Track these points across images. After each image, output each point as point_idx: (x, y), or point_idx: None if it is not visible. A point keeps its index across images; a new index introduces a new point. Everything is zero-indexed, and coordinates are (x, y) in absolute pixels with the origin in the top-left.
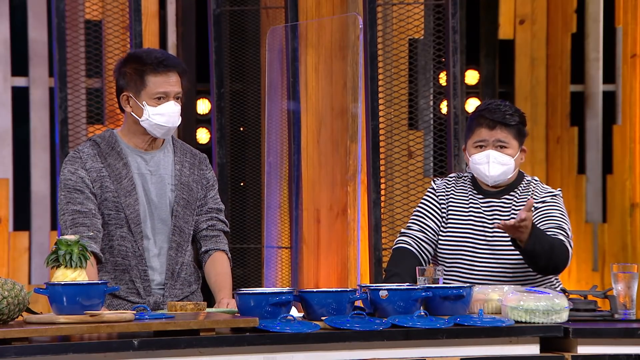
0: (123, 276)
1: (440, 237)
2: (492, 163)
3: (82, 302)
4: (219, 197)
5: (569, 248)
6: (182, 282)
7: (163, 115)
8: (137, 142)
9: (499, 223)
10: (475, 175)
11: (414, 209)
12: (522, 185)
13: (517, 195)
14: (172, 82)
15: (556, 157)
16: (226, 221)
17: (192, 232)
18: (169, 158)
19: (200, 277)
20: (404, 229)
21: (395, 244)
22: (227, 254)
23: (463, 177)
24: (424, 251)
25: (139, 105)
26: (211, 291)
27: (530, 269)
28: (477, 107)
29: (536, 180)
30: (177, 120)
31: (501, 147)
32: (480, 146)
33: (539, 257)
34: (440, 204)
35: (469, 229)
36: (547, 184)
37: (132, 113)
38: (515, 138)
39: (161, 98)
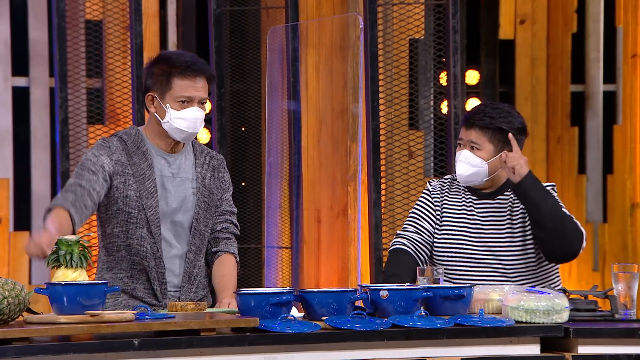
0: (140, 276)
1: (435, 239)
2: (461, 162)
3: (83, 302)
4: (232, 199)
5: (579, 224)
6: (197, 285)
7: (185, 119)
8: (160, 143)
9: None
10: None
11: (410, 211)
12: None
13: (512, 194)
14: (198, 87)
15: (556, 157)
16: (237, 224)
17: (209, 235)
18: (190, 161)
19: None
20: (400, 230)
21: (392, 246)
22: (235, 257)
23: (458, 179)
24: (420, 252)
25: (163, 107)
26: (214, 291)
27: (530, 270)
28: None
29: None
30: (198, 126)
31: (474, 147)
32: (460, 144)
33: (540, 208)
34: (435, 205)
35: (464, 230)
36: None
37: (155, 114)
38: (490, 141)
39: (185, 102)
